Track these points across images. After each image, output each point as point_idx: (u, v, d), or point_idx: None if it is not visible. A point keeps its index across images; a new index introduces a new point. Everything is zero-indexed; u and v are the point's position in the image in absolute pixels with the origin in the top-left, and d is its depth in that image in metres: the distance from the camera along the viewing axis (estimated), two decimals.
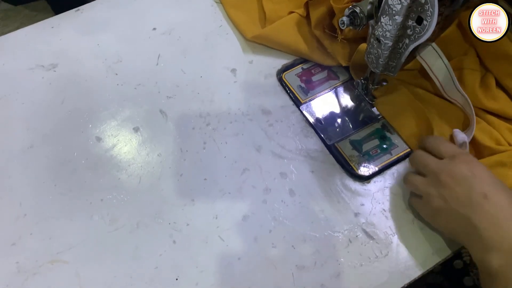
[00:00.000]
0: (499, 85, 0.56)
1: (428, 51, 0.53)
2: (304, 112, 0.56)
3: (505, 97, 0.55)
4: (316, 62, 0.60)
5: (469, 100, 0.52)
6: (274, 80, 0.59)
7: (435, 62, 0.54)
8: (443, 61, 0.54)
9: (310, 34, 0.60)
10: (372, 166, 0.53)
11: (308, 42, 0.59)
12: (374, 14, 0.45)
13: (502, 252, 0.38)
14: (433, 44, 0.53)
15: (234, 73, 0.60)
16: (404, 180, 0.49)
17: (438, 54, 0.53)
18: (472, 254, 0.41)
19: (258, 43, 0.61)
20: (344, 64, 0.58)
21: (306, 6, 0.59)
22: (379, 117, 0.56)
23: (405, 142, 0.54)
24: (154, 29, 0.63)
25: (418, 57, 0.54)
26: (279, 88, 0.59)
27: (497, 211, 0.39)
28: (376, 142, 0.54)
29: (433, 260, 0.47)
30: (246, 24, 0.62)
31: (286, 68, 0.60)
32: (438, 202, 0.43)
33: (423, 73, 0.56)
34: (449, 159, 0.44)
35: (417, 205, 0.47)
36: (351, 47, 0.57)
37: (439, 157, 0.46)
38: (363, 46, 0.55)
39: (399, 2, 0.40)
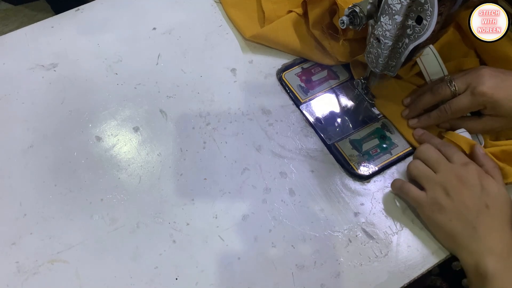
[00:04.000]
0: None
1: (430, 61, 0.54)
2: (304, 112, 0.56)
3: None
4: (315, 61, 0.60)
5: None
6: (274, 79, 0.59)
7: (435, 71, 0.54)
8: (443, 72, 0.54)
9: (308, 33, 0.60)
10: (372, 165, 0.53)
11: (306, 41, 0.60)
12: (374, 13, 0.45)
13: (497, 256, 0.41)
14: (435, 51, 0.53)
15: (234, 73, 0.60)
16: (410, 166, 0.49)
17: (439, 65, 0.54)
18: (465, 257, 0.44)
19: (257, 42, 0.61)
20: (343, 60, 0.58)
21: (304, 5, 0.59)
22: (379, 117, 0.56)
23: (406, 140, 0.54)
24: (154, 29, 0.63)
25: (422, 69, 0.55)
26: (279, 87, 0.59)
27: (495, 221, 0.43)
28: (376, 141, 0.54)
29: (433, 260, 0.47)
30: (245, 24, 0.62)
31: (286, 68, 0.60)
32: (445, 200, 0.45)
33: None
34: (461, 165, 0.46)
35: (421, 197, 0.47)
36: (351, 45, 0.57)
37: (449, 160, 0.48)
38: None
39: (398, 1, 0.40)
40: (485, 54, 0.56)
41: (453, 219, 0.45)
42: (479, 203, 0.44)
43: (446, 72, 0.53)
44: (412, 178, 0.50)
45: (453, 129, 0.52)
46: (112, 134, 0.55)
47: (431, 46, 0.53)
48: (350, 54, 0.57)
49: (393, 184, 0.51)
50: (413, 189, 0.48)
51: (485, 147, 0.51)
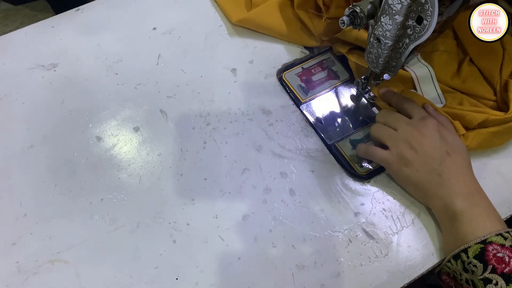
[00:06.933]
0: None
1: (427, 89, 0.56)
2: (304, 112, 0.56)
3: (474, 76, 0.57)
4: (301, 44, 0.61)
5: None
6: (274, 79, 0.59)
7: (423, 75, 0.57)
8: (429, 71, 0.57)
9: (294, 16, 0.61)
10: (372, 166, 0.53)
11: (292, 24, 0.61)
12: (374, 13, 0.45)
13: (463, 196, 0.45)
14: (434, 78, 0.56)
15: (234, 73, 0.60)
16: (372, 129, 0.52)
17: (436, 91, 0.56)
18: (435, 203, 0.47)
19: (244, 27, 0.62)
20: (326, 38, 0.59)
21: None
22: None
23: None
24: (154, 29, 0.63)
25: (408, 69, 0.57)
26: (279, 87, 0.59)
27: (457, 166, 0.47)
28: None
29: (433, 260, 0.47)
30: (232, 8, 0.63)
31: (286, 68, 0.60)
32: (410, 153, 0.48)
33: None
34: (420, 119, 0.49)
35: (387, 156, 0.49)
36: (334, 23, 0.58)
37: (409, 117, 0.51)
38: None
39: (399, 1, 0.40)
40: (479, 60, 0.57)
41: (419, 170, 0.47)
42: (441, 151, 0.47)
43: (443, 100, 0.56)
44: (376, 141, 0.52)
45: None
46: (112, 134, 0.55)
47: (430, 69, 0.56)
48: (333, 32, 0.58)
49: (358, 150, 0.52)
50: (379, 150, 0.50)
51: (444, 107, 0.54)
